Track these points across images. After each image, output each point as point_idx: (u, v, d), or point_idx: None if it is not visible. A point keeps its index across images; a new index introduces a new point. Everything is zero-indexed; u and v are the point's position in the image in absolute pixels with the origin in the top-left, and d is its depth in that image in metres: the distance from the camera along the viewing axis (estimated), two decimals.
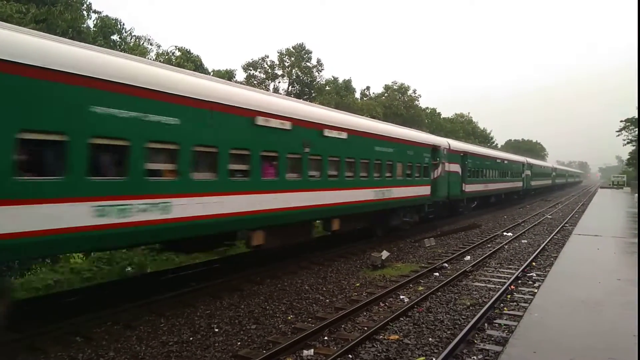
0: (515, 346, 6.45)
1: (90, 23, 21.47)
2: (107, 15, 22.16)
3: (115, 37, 22.60)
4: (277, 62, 40.32)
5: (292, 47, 40.39)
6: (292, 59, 40.22)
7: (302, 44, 40.61)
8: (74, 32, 18.29)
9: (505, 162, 35.85)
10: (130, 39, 23.53)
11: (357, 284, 11.64)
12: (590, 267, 11.79)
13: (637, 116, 48.50)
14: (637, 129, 52.89)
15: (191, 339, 7.80)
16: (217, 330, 8.23)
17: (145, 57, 21.12)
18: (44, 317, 7.99)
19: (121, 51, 19.76)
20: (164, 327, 8.23)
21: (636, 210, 27.54)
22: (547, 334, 6.88)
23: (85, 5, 20.47)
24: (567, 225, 24.74)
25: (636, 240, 15.56)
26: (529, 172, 43.42)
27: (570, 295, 9.04)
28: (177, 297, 9.64)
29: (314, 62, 41.37)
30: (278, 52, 40.39)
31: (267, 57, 40.45)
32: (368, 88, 49.74)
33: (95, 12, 21.46)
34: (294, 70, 40.29)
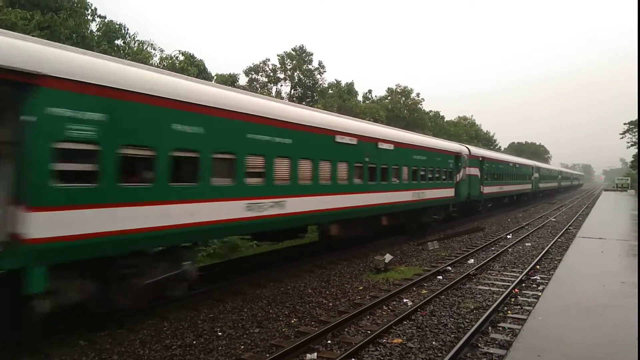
0: (519, 350, 6.44)
1: (94, 27, 21.52)
2: (111, 20, 22.24)
3: (119, 41, 22.66)
4: (279, 66, 40.18)
5: (292, 50, 40.22)
6: (294, 62, 40.09)
7: (302, 46, 40.43)
8: (78, 37, 18.36)
9: (393, 147, 16.11)
10: (134, 44, 23.57)
11: (361, 288, 11.63)
12: (595, 270, 11.75)
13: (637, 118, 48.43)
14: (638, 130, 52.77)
15: (194, 342, 7.81)
16: (220, 333, 8.23)
17: (148, 62, 21.20)
18: (48, 320, 7.99)
19: (125, 55, 19.86)
20: (168, 331, 8.25)
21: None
22: (551, 338, 6.85)
23: (90, 10, 20.54)
24: (571, 228, 24.66)
25: None
26: (476, 172, 26.09)
27: (574, 298, 9.01)
28: (180, 301, 9.63)
29: (315, 64, 41.29)
30: (278, 56, 40.25)
31: (269, 60, 40.34)
32: (370, 91, 49.64)
33: (100, 17, 21.53)
34: (295, 73, 40.19)
